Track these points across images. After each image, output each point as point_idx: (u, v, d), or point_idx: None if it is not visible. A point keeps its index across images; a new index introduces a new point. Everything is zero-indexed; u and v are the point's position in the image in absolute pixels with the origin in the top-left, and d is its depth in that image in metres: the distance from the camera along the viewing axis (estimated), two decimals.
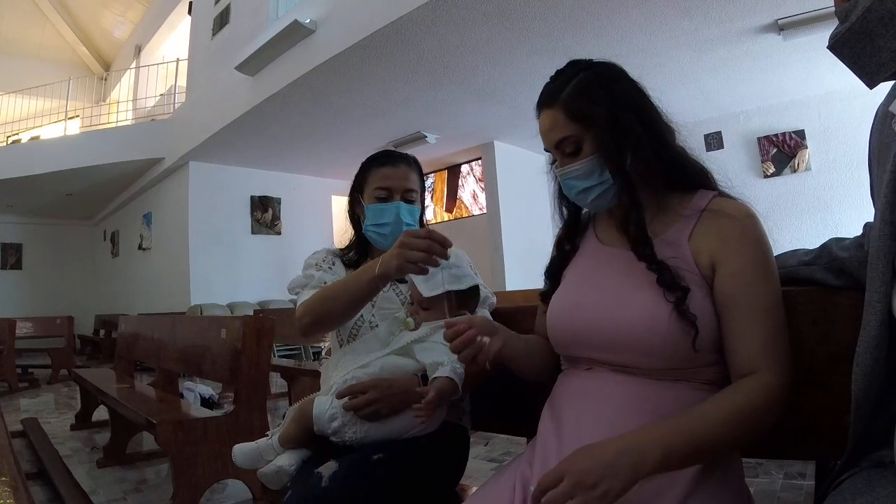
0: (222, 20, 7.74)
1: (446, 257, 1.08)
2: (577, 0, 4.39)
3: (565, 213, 1.11)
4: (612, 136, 0.93)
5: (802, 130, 6.86)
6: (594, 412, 0.91)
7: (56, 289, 11.87)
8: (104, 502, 2.61)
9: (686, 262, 0.90)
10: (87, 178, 9.26)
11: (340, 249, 1.52)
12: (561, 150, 0.98)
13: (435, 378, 1.15)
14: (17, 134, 11.11)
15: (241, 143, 7.73)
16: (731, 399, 0.83)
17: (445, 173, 9.44)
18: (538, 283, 1.15)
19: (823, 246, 0.99)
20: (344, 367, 1.29)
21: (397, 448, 1.17)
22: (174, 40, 10.90)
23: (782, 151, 6.99)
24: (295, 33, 5.58)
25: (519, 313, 1.31)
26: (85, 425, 4.21)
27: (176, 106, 9.29)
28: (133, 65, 11.68)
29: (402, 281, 1.42)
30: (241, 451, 1.29)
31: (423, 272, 1.09)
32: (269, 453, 1.26)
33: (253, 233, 9.05)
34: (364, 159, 1.49)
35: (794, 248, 1.06)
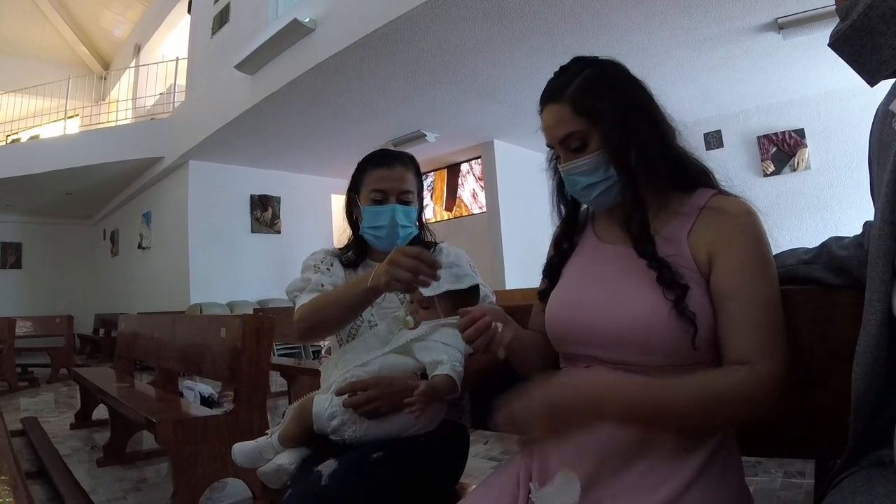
0: (222, 19, 7.74)
1: (436, 279, 1.08)
2: None
3: (563, 211, 1.11)
4: (620, 132, 0.93)
5: (802, 129, 6.85)
6: None
7: (56, 288, 11.87)
8: (104, 501, 2.61)
9: (685, 259, 0.90)
10: (87, 177, 9.26)
11: (339, 249, 1.52)
12: (566, 146, 0.98)
13: (434, 376, 1.15)
14: (17, 133, 11.09)
15: (240, 142, 7.73)
16: (712, 382, 0.83)
17: (445, 172, 9.43)
18: (538, 281, 1.15)
19: (823, 245, 0.99)
20: (344, 365, 1.29)
21: (397, 446, 1.17)
22: (174, 39, 10.89)
23: (782, 150, 6.99)
24: (294, 32, 5.58)
25: (518, 312, 1.31)
26: (85, 424, 4.21)
27: (175, 105, 9.28)
28: (132, 64, 11.67)
29: None
30: (241, 449, 1.29)
31: (412, 290, 1.09)
32: (269, 452, 1.26)
33: (252, 232, 9.05)
34: (361, 159, 1.49)
35: (794, 246, 1.06)
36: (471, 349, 1.20)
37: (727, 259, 0.88)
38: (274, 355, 5.67)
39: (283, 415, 1.31)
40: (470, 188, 9.09)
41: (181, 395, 3.88)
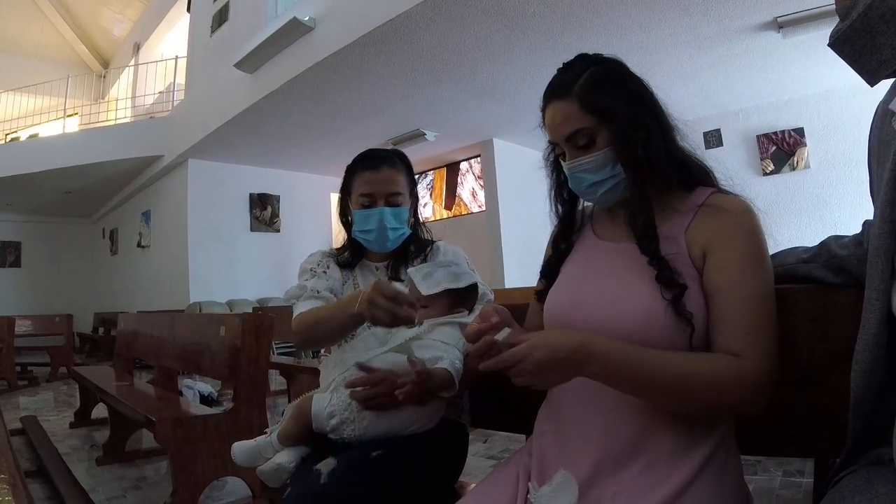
0: (221, 18, 7.73)
1: (412, 321, 1.08)
2: None
3: (560, 210, 1.11)
4: (628, 130, 0.93)
5: (802, 128, 6.85)
6: (593, 407, 0.91)
7: (55, 287, 11.86)
8: (103, 500, 2.61)
9: (684, 257, 0.90)
10: (86, 175, 9.25)
11: (336, 249, 1.52)
12: (572, 143, 0.97)
13: (433, 368, 1.15)
14: (16, 132, 11.07)
15: (239, 141, 7.72)
16: (695, 361, 0.84)
17: (444, 171, 9.43)
18: (537, 280, 1.14)
19: (822, 244, 0.99)
20: (343, 365, 1.29)
21: (396, 445, 1.17)
22: (173, 38, 10.87)
23: (781, 149, 6.99)
24: (294, 31, 5.58)
25: (517, 311, 1.31)
26: (84, 423, 4.21)
27: (175, 103, 9.28)
28: (132, 62, 11.66)
29: (401, 280, 1.42)
30: (241, 448, 1.29)
31: (394, 325, 1.10)
32: (269, 451, 1.26)
33: (252, 230, 9.05)
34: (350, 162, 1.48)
35: (793, 245, 1.06)
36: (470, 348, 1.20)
37: (722, 255, 0.88)
38: (273, 354, 5.67)
39: (283, 413, 1.32)
40: (469, 187, 9.09)
41: (180, 393, 3.88)
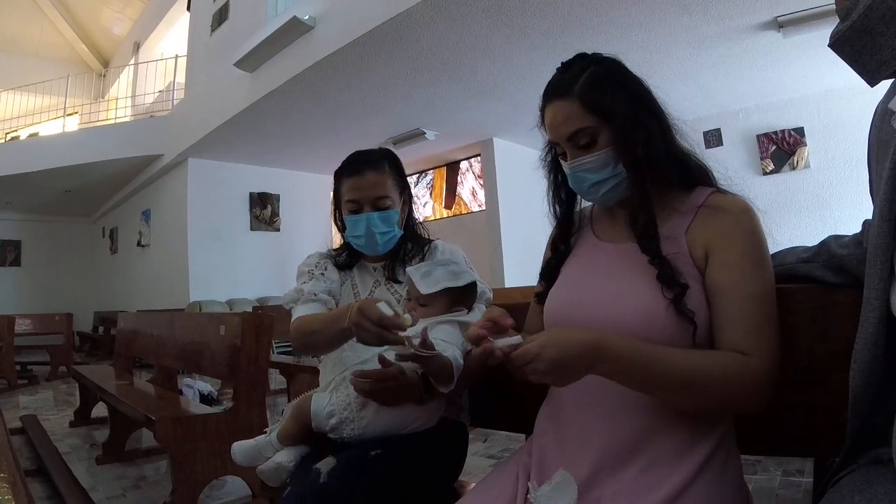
0: (221, 16, 7.73)
1: (400, 340, 1.06)
2: None
3: (558, 212, 1.11)
4: (630, 129, 0.93)
5: (802, 128, 6.85)
6: (593, 407, 0.91)
7: (55, 286, 11.86)
8: (103, 499, 2.61)
9: (685, 256, 0.90)
10: (86, 174, 9.25)
11: (334, 250, 1.52)
12: (573, 143, 0.97)
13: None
14: (16, 131, 11.08)
15: (239, 140, 7.72)
16: (703, 358, 0.84)
17: (444, 170, 9.42)
18: (537, 279, 1.14)
19: (822, 243, 0.99)
20: (342, 364, 1.29)
21: (396, 444, 1.17)
22: (173, 37, 10.87)
23: (781, 149, 6.98)
24: (294, 30, 5.57)
25: (517, 310, 1.31)
26: (84, 422, 4.21)
27: (175, 102, 9.28)
28: (132, 61, 11.65)
29: (398, 280, 1.42)
30: (241, 448, 1.29)
31: (382, 345, 1.09)
32: (268, 450, 1.26)
33: (252, 229, 9.05)
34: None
35: (793, 245, 1.06)
36: (469, 346, 1.20)
37: (723, 254, 0.89)
38: (273, 353, 5.66)
39: (283, 412, 1.32)
40: (469, 186, 9.08)
41: (180, 392, 3.88)
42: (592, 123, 0.94)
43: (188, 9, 9.16)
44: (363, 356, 1.25)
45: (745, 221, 0.90)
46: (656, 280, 0.88)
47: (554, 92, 0.98)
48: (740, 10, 4.65)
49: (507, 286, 7.17)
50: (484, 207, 8.57)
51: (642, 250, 0.92)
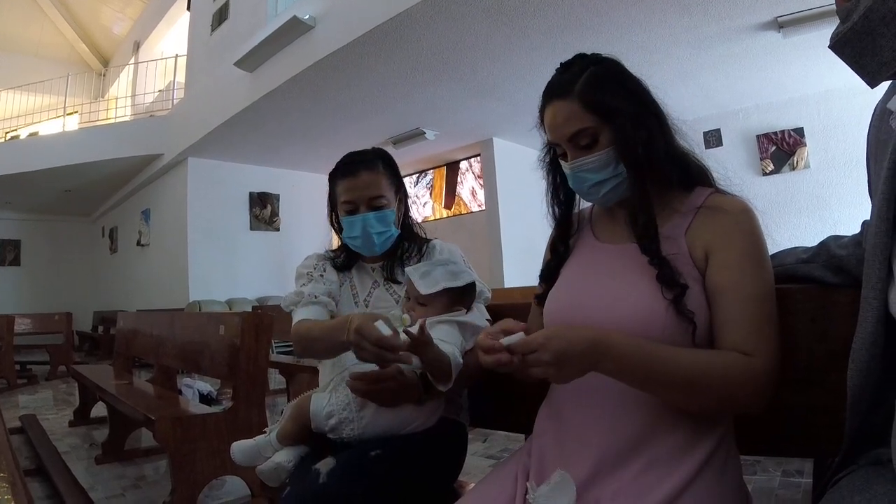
0: (221, 16, 7.72)
1: (399, 360, 1.08)
2: None
3: (557, 213, 1.11)
4: (631, 129, 0.93)
5: (801, 128, 6.85)
6: (593, 408, 0.91)
7: (54, 285, 11.85)
8: (102, 499, 2.61)
9: (685, 257, 0.91)
10: (86, 174, 9.25)
11: (332, 251, 1.52)
12: (574, 143, 0.96)
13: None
14: (16, 130, 11.08)
15: (239, 140, 7.72)
16: (705, 357, 0.84)
17: (444, 170, 9.42)
18: (536, 279, 1.14)
19: (822, 244, 0.99)
20: (341, 364, 1.29)
21: (395, 444, 1.17)
22: (173, 36, 10.86)
23: (781, 149, 6.98)
24: (294, 29, 5.57)
25: (517, 310, 1.31)
26: (83, 422, 4.21)
27: (175, 102, 9.27)
28: (132, 61, 11.65)
29: (397, 281, 1.42)
30: (240, 448, 1.29)
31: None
32: (268, 450, 1.26)
33: (251, 229, 9.04)
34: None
35: (793, 245, 1.06)
36: (468, 346, 1.20)
37: (723, 255, 0.89)
38: (272, 353, 5.66)
39: (282, 412, 1.32)
40: (469, 186, 9.08)
41: (180, 392, 3.89)
42: (593, 123, 0.94)
43: (188, 8, 9.15)
44: None
45: (744, 222, 0.90)
46: (656, 280, 0.88)
47: (554, 92, 0.98)
48: (740, 11, 4.64)
49: (506, 286, 7.17)
50: (484, 207, 8.57)
51: (642, 251, 0.92)
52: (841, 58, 0.73)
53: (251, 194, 9.07)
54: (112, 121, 10.56)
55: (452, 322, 1.18)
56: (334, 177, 1.44)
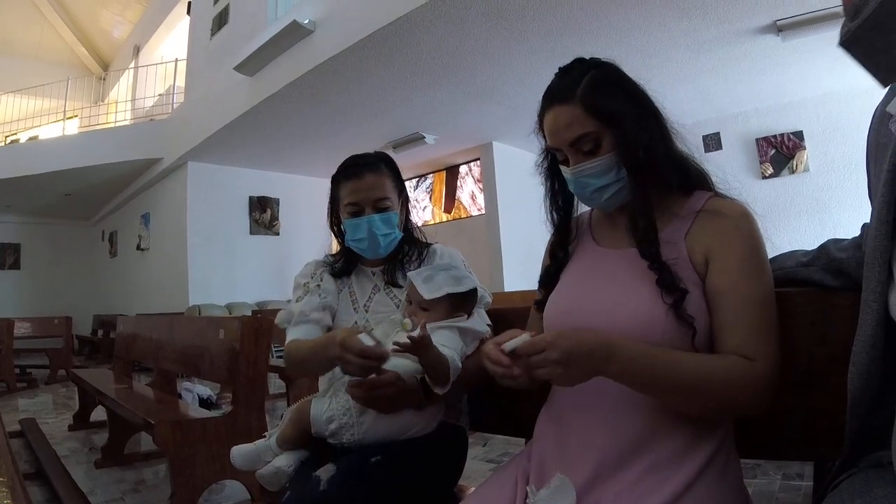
0: (221, 20, 7.74)
1: (379, 372, 1.10)
2: (575, 0, 4.39)
3: (555, 218, 1.10)
4: (633, 133, 0.93)
5: (801, 131, 6.86)
6: (594, 411, 0.91)
7: (54, 289, 11.84)
8: (102, 503, 2.60)
9: (685, 261, 0.91)
10: (86, 178, 9.25)
11: (331, 256, 1.52)
12: (576, 148, 0.96)
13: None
14: (16, 134, 11.09)
15: (239, 144, 7.73)
16: (709, 362, 0.85)
17: (444, 174, 9.43)
18: (536, 283, 1.14)
19: (821, 247, 0.99)
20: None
21: (395, 450, 1.16)
22: (173, 40, 10.88)
23: (781, 152, 6.99)
24: (293, 33, 5.58)
25: (517, 314, 1.31)
26: (83, 426, 4.20)
27: (174, 106, 9.27)
28: (132, 65, 11.66)
29: (397, 285, 1.42)
30: (240, 452, 1.28)
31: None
32: (268, 454, 1.26)
33: (251, 233, 9.04)
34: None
35: (793, 249, 1.06)
36: (468, 351, 1.20)
37: (722, 259, 0.89)
38: (272, 357, 5.66)
39: (282, 417, 1.31)
40: (469, 190, 9.09)
41: (179, 396, 3.88)
42: (595, 128, 0.94)
43: (188, 12, 9.17)
44: None
45: (743, 226, 0.90)
46: (656, 285, 0.88)
47: (555, 97, 0.98)
48: (739, 14, 4.66)
49: (506, 290, 7.17)
50: (483, 211, 8.57)
51: (642, 255, 0.92)
52: (851, 56, 0.72)
53: (251, 198, 9.07)
54: (112, 125, 10.56)
55: (453, 327, 1.18)
56: (337, 179, 1.44)
